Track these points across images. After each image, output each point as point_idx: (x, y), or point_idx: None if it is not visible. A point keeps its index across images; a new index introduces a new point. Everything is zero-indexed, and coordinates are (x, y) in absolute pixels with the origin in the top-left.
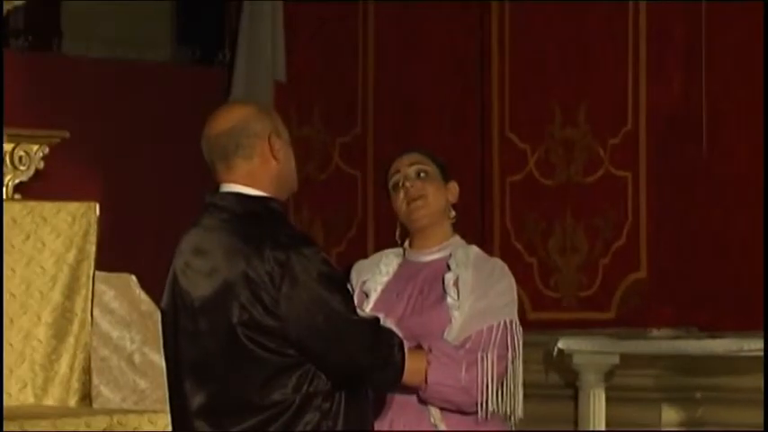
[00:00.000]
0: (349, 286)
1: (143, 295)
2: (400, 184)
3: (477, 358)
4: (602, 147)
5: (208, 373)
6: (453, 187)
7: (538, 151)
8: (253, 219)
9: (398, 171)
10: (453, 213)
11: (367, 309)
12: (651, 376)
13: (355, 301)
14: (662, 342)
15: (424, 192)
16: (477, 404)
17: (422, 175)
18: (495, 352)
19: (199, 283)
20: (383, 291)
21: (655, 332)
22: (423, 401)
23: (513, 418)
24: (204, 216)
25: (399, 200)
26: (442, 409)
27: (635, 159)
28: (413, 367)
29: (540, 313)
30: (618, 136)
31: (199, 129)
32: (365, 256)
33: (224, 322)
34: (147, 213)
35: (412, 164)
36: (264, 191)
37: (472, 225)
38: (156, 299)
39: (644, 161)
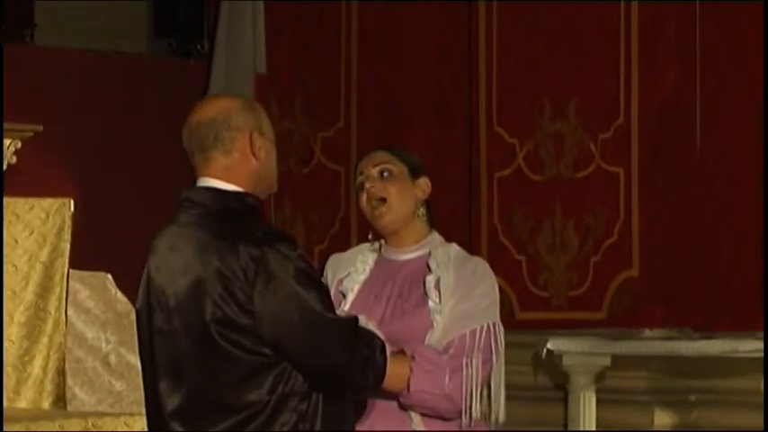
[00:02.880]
0: (323, 281)
1: (119, 294)
2: (364, 186)
3: (461, 364)
4: (592, 141)
5: (183, 373)
6: (423, 183)
7: (527, 146)
8: (228, 214)
9: (362, 172)
10: (423, 211)
11: (343, 310)
12: (643, 378)
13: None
14: (654, 343)
15: (386, 193)
16: (460, 411)
17: (385, 174)
18: (480, 357)
19: (172, 281)
20: (360, 291)
21: (647, 333)
22: (404, 407)
23: (495, 421)
24: (179, 212)
25: (363, 202)
26: (423, 414)
27: (627, 154)
28: (395, 372)
29: (529, 313)
30: (609, 130)
31: (176, 123)
32: None
33: (197, 320)
34: (124, 210)
35: (376, 164)
36: (241, 186)
37: (459, 221)
38: (133, 298)
39: (636, 156)
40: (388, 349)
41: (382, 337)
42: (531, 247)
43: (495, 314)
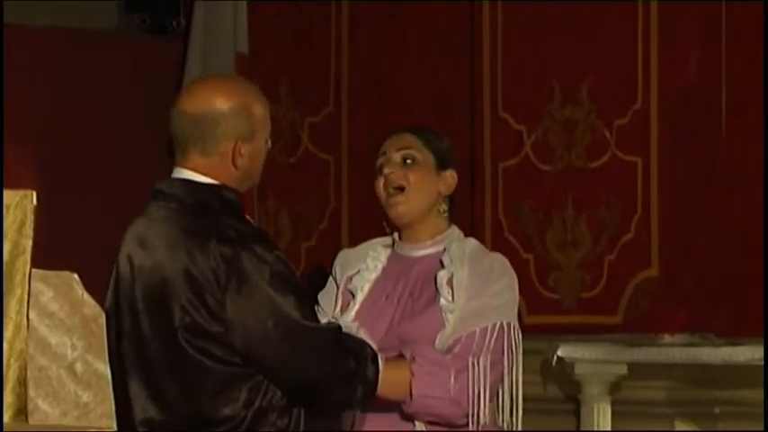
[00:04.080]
0: (331, 279)
1: (86, 296)
2: (383, 170)
3: (466, 364)
4: (607, 128)
5: (152, 382)
6: (450, 177)
7: (535, 133)
8: (202, 210)
9: (385, 153)
10: (444, 207)
11: (353, 311)
12: (663, 388)
13: (339, 302)
14: (675, 349)
15: (405, 182)
16: (467, 416)
17: (408, 161)
18: (489, 357)
19: (141, 281)
20: (371, 291)
21: (667, 338)
22: (407, 416)
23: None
24: (151, 205)
25: (380, 186)
26: (429, 422)
27: (645, 142)
28: (394, 379)
29: (538, 317)
30: (626, 116)
31: (149, 106)
32: (338, 251)
33: (165, 326)
34: (92, 202)
35: (400, 148)
36: (219, 180)
37: (460, 216)
38: (102, 300)
39: (655, 144)
40: (381, 360)
41: (374, 346)
42: (539, 244)
43: (510, 314)
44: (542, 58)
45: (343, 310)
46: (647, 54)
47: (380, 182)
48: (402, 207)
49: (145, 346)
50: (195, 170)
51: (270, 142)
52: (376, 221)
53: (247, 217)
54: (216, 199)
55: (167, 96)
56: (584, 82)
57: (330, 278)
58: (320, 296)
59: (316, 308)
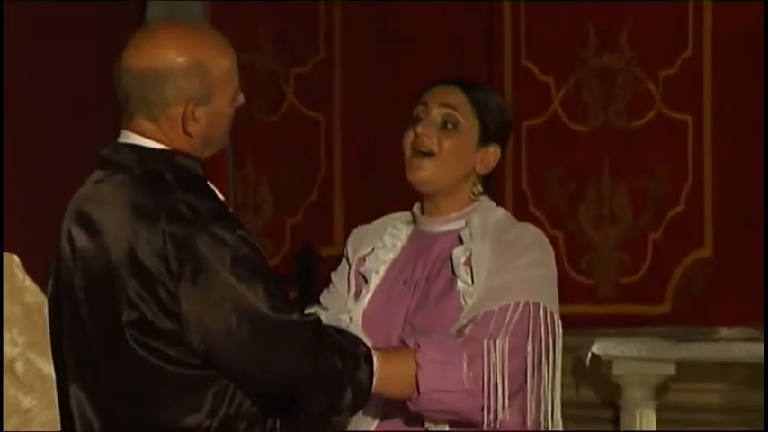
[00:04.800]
0: (343, 260)
1: (28, 281)
2: (422, 121)
3: (481, 349)
4: (652, 80)
5: (97, 385)
6: (491, 153)
7: (565, 86)
8: (151, 181)
9: (426, 104)
10: (479, 189)
11: (366, 298)
12: (717, 392)
13: (352, 287)
14: (732, 345)
15: (438, 149)
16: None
17: (448, 126)
18: (507, 340)
19: (82, 266)
20: (387, 274)
21: (722, 332)
22: (415, 417)
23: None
24: (95, 174)
25: (407, 142)
26: (444, 422)
27: (697, 97)
28: (398, 374)
29: (568, 306)
30: (674, 66)
31: (103, 65)
32: (330, 229)
33: (110, 322)
34: (36, 176)
35: (444, 104)
36: (172, 146)
37: None
38: (46, 286)
39: (709, 100)
40: (377, 359)
41: (368, 342)
42: (570, 219)
43: (540, 293)
44: None
45: (356, 296)
46: None
47: (410, 137)
48: (424, 174)
49: (87, 345)
50: (143, 135)
51: (242, 97)
52: (374, 193)
53: (213, 188)
54: (169, 168)
55: None
56: (625, 24)
57: (343, 259)
58: (333, 276)
59: (326, 291)
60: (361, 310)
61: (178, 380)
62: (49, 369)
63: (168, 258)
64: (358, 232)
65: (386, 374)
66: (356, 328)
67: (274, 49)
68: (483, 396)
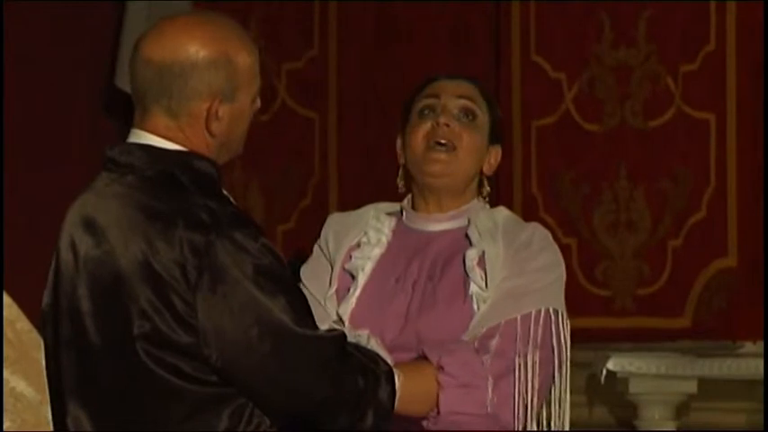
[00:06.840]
0: (317, 250)
1: (3, 295)
2: (437, 112)
3: (508, 366)
4: (671, 76)
5: (101, 403)
6: (495, 154)
7: (578, 82)
8: (166, 184)
9: (437, 96)
10: (487, 190)
11: (352, 298)
12: (742, 411)
13: (334, 285)
14: (758, 361)
15: (460, 141)
16: None
17: (468, 117)
18: (538, 354)
19: (87, 275)
20: (374, 272)
21: (748, 347)
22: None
23: None
24: (101, 177)
25: (420, 134)
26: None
27: (720, 94)
28: (418, 391)
29: (582, 319)
30: (695, 61)
31: (83, 56)
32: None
33: (119, 334)
34: (19, 177)
35: (460, 95)
36: (189, 148)
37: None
38: (21, 298)
39: (733, 97)
40: (398, 378)
41: (389, 360)
42: (584, 226)
43: (558, 298)
44: None
45: (341, 295)
46: None
47: (423, 130)
48: (448, 166)
49: (90, 359)
50: (157, 133)
51: (259, 101)
52: (372, 197)
53: (227, 194)
54: (184, 170)
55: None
56: (642, 16)
57: (316, 248)
58: (304, 273)
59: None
60: (350, 309)
61: (192, 397)
62: (23, 388)
63: (185, 266)
64: (337, 220)
65: (407, 394)
66: (375, 345)
67: (265, 42)
68: (513, 419)
